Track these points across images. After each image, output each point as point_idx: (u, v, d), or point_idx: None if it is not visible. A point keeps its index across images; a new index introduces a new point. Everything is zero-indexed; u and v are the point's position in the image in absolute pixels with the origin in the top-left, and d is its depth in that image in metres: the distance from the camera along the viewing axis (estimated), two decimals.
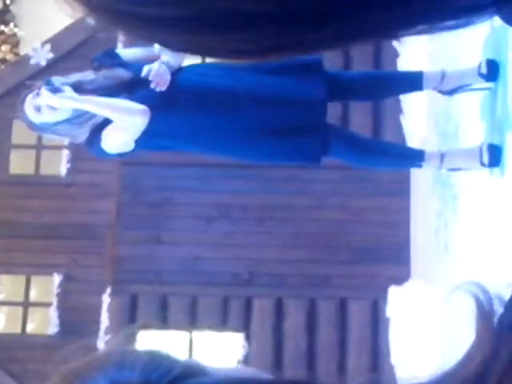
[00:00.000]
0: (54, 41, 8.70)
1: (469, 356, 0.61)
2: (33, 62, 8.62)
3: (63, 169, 8.63)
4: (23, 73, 8.44)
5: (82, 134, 4.01)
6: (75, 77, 4.02)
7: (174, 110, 4.04)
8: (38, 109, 3.87)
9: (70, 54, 8.60)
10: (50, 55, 8.63)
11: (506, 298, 0.61)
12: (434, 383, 0.62)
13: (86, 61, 4.69)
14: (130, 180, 8.40)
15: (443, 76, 4.13)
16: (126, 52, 4.15)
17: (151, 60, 4.00)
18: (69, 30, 8.49)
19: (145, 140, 3.97)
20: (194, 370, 0.62)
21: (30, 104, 3.88)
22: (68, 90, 3.88)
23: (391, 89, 4.43)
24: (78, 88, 3.94)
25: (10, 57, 9.39)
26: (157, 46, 3.77)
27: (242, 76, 4.04)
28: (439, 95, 4.40)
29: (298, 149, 4.04)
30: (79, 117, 3.92)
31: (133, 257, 8.30)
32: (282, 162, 4.53)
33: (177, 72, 4.03)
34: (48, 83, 3.87)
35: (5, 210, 8.51)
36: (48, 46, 8.68)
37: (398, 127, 7.71)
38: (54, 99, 3.83)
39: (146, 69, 3.97)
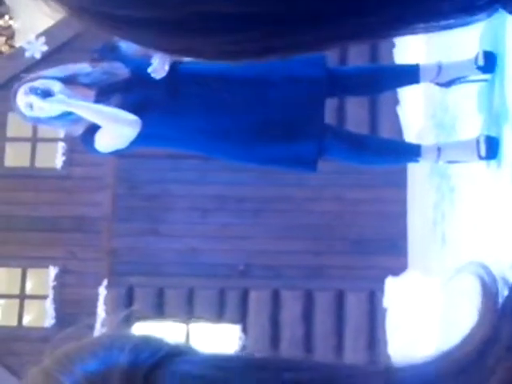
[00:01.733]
0: (49, 33, 8.65)
1: (469, 335, 0.61)
2: (28, 54, 8.58)
3: (59, 161, 8.61)
4: (18, 66, 8.40)
5: (78, 130, 3.98)
6: (70, 69, 3.94)
7: (171, 109, 3.98)
8: (30, 106, 3.81)
9: (64, 46, 8.56)
10: (45, 48, 8.60)
11: (511, 279, 0.61)
12: (431, 363, 0.62)
13: (81, 54, 4.67)
14: (126, 172, 8.38)
15: (440, 68, 4.13)
16: (128, 45, 4.05)
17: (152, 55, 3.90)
18: (64, 22, 8.46)
19: (139, 140, 3.94)
20: (182, 350, 0.62)
21: (21, 100, 3.83)
22: (58, 93, 3.79)
23: (388, 83, 4.42)
24: (73, 81, 3.86)
25: (5, 49, 9.37)
26: None
27: (241, 70, 4.00)
28: (436, 87, 4.40)
29: (294, 156, 4.02)
30: (72, 114, 3.85)
31: (129, 249, 8.30)
32: (278, 167, 4.49)
33: (179, 65, 3.97)
34: (35, 91, 3.77)
35: (0, 203, 8.50)
36: (43, 39, 8.64)
37: (395, 119, 7.70)
38: (44, 104, 3.77)
39: (151, 68, 3.86)
